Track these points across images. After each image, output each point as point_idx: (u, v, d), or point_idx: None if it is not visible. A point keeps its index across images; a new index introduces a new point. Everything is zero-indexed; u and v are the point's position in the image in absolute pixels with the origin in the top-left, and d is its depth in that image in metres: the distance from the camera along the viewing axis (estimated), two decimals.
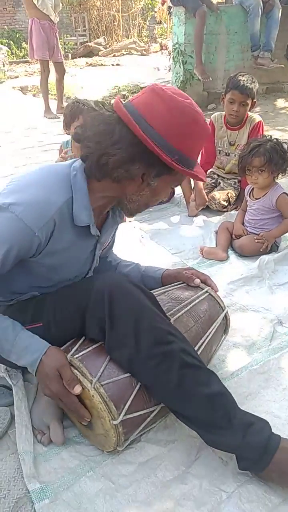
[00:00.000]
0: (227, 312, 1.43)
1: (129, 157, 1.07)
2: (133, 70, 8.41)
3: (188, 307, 1.30)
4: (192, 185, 2.71)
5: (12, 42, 11.74)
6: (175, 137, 1.07)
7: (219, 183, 2.83)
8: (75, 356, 1.12)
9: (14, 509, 1.06)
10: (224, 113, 2.69)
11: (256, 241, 2.19)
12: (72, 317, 1.20)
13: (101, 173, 1.12)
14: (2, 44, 10.72)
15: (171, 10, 6.12)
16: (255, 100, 2.58)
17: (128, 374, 1.12)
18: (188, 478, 1.13)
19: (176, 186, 1.28)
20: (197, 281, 1.42)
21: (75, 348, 1.15)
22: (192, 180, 2.68)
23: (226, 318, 1.42)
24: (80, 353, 1.13)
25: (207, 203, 2.68)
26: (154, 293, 1.32)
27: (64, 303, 1.22)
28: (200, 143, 1.16)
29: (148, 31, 12.98)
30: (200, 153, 1.34)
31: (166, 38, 11.66)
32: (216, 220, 2.61)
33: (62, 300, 1.23)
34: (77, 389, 1.09)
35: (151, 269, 1.54)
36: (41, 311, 1.24)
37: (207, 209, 2.73)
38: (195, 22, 5.00)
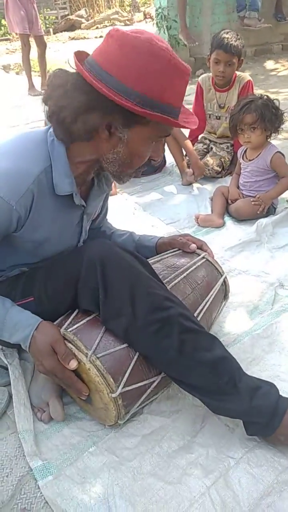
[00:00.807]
0: (225, 277, 1.38)
1: (84, 107, 0.99)
2: None
3: (185, 274, 1.25)
4: (185, 153, 2.63)
5: None
6: (131, 78, 0.95)
7: (211, 148, 2.75)
8: (68, 330, 1.08)
9: (18, 487, 1.03)
10: (211, 74, 2.58)
11: (252, 203, 2.14)
12: (64, 289, 1.15)
13: (64, 132, 1.04)
14: None
15: None
16: (242, 58, 2.48)
17: (125, 345, 1.07)
18: (194, 447, 1.11)
19: (158, 140, 1.10)
20: (193, 246, 1.37)
21: (68, 322, 1.11)
22: (183, 149, 2.60)
23: (225, 284, 1.37)
24: (74, 326, 1.09)
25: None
26: (149, 261, 1.27)
27: (55, 275, 1.17)
28: (168, 82, 0.98)
29: (130, 0, 12.57)
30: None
31: (149, 6, 11.30)
32: (210, 187, 2.55)
33: (53, 272, 1.18)
34: (73, 364, 1.05)
35: (145, 237, 1.49)
36: (31, 285, 1.20)
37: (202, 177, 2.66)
38: None
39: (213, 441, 1.11)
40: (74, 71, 1.03)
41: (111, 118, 1.00)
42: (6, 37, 10.19)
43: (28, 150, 1.06)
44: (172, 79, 0.99)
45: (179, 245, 1.40)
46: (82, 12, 11.26)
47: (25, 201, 1.03)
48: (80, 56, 1.04)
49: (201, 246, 1.42)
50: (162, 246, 1.44)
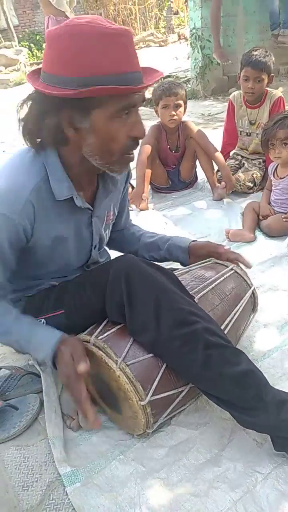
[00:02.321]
0: (254, 289, 1.37)
1: (37, 113, 1.03)
2: (151, 62, 8.33)
3: (213, 285, 1.26)
4: (216, 168, 2.65)
5: (32, 45, 11.88)
6: (63, 67, 0.94)
7: (243, 164, 2.76)
8: (99, 338, 1.10)
9: (47, 493, 1.05)
10: (243, 92, 2.61)
11: (284, 220, 2.12)
12: (92, 302, 1.18)
13: (34, 142, 1.09)
14: (23, 46, 10.87)
15: None
16: (272, 74, 2.48)
17: (153, 354, 1.09)
18: (221, 460, 1.10)
19: (122, 114, 0.99)
20: (227, 248, 1.39)
21: (98, 330, 1.13)
22: (214, 163, 2.63)
23: (253, 296, 1.37)
24: (104, 335, 1.11)
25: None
26: (176, 273, 1.29)
27: (84, 289, 1.21)
28: (97, 54, 0.92)
29: (165, 22, 12.83)
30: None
31: (183, 27, 11.50)
32: (242, 202, 2.55)
33: (82, 285, 1.23)
34: (82, 366, 1.04)
35: (178, 238, 1.50)
36: (62, 298, 1.24)
37: (233, 192, 2.66)
38: (211, 5, 4.88)
39: (240, 455, 1.10)
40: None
41: (67, 113, 0.99)
42: None
43: (23, 165, 1.10)
44: (101, 48, 0.92)
45: (213, 247, 1.41)
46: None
47: (26, 212, 1.07)
48: (36, 72, 1.06)
49: (237, 258, 1.42)
50: (195, 248, 1.44)
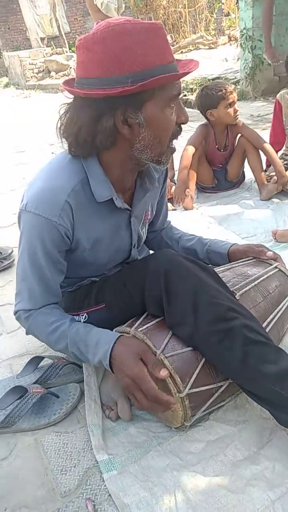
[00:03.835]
0: None
1: (92, 119, 1.02)
2: (201, 64, 8.28)
3: (256, 282, 1.24)
4: (264, 167, 2.61)
5: None
6: (112, 67, 0.95)
7: None
8: (139, 330, 1.12)
9: (84, 478, 1.08)
10: None
11: None
12: (132, 297, 1.19)
13: (90, 150, 1.08)
14: (74, 52, 11.15)
15: None
16: None
17: (192, 348, 1.08)
18: (259, 459, 1.08)
19: (171, 104, 1.04)
20: (270, 253, 1.35)
21: (138, 323, 1.15)
22: (263, 161, 2.58)
23: None
24: (144, 327, 1.12)
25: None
26: (217, 270, 1.28)
27: (124, 283, 1.23)
28: (143, 48, 0.95)
29: (215, 24, 12.75)
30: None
31: (234, 29, 11.38)
32: None
33: (122, 280, 1.24)
34: (164, 372, 1.03)
35: (217, 243, 1.48)
36: (103, 292, 1.27)
37: (281, 192, 2.60)
38: (263, 4, 4.80)
39: (280, 455, 1.08)
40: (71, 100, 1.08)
41: (121, 112, 1.00)
42: None
43: (61, 168, 1.12)
44: (146, 42, 0.96)
45: (254, 253, 1.38)
46: (167, 38, 11.63)
47: (66, 214, 1.09)
48: (70, 82, 1.08)
49: (276, 259, 1.40)
50: (235, 253, 1.43)
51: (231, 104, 2.44)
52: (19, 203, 1.15)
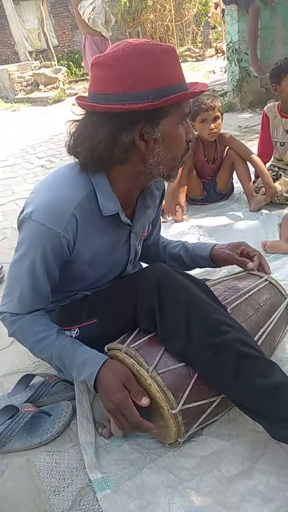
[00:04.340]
0: None
1: (112, 133, 1.04)
2: (188, 76, 8.42)
3: (247, 295, 1.25)
4: (253, 178, 2.63)
5: (71, 63, 12.29)
6: (135, 83, 0.98)
7: (280, 175, 2.72)
8: (131, 346, 1.11)
9: (77, 498, 1.06)
10: (277, 102, 2.60)
11: None
12: (124, 311, 1.19)
13: (105, 164, 1.10)
14: (62, 65, 11.26)
15: (225, 12, 6.06)
16: None
17: (184, 364, 1.08)
18: (253, 473, 1.07)
19: (184, 120, 1.10)
20: (250, 265, 1.36)
21: (130, 339, 1.14)
22: (252, 172, 2.61)
23: None
24: (136, 343, 1.12)
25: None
26: (209, 283, 1.29)
27: (115, 298, 1.23)
28: (163, 67, 1.01)
29: (202, 37, 12.95)
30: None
31: (221, 41, 11.57)
32: (280, 213, 2.51)
33: (114, 295, 1.24)
34: (145, 401, 1.04)
35: (200, 247, 1.50)
36: (95, 307, 1.26)
37: (270, 203, 2.63)
38: (248, 18, 4.90)
39: (273, 469, 1.07)
40: (81, 116, 1.10)
41: (139, 128, 1.04)
42: (84, 77, 10.91)
43: (69, 180, 1.13)
44: (164, 62, 1.01)
45: (237, 262, 1.40)
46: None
47: (71, 226, 1.10)
48: (82, 99, 1.09)
49: (254, 257, 1.42)
50: (219, 257, 1.45)
51: (206, 121, 2.46)
52: (20, 211, 1.15)
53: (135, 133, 1.04)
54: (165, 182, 1.24)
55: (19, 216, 1.15)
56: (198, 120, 2.48)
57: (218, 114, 2.47)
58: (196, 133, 2.57)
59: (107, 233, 1.20)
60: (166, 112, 1.04)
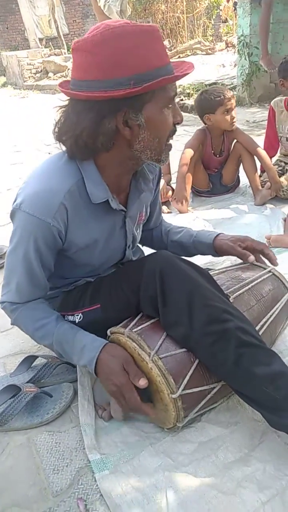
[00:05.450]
0: None
1: (94, 122, 1.02)
2: (198, 69, 8.34)
3: (250, 286, 1.25)
4: (259, 172, 2.63)
5: None
6: (115, 69, 0.96)
7: (286, 170, 2.72)
8: (133, 330, 1.12)
9: (76, 477, 1.08)
10: (284, 97, 2.59)
11: None
12: (127, 297, 1.20)
13: (90, 152, 1.09)
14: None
15: (237, 5, 6.00)
16: None
17: (186, 349, 1.09)
18: (251, 461, 1.09)
19: (169, 104, 1.07)
20: (252, 258, 1.37)
21: (133, 323, 1.15)
22: (258, 166, 2.61)
23: None
24: (138, 328, 1.13)
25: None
26: (212, 273, 1.30)
27: (119, 283, 1.24)
28: (145, 50, 0.97)
29: (213, 30, 12.84)
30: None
31: (232, 35, 11.46)
32: (285, 208, 2.51)
33: (117, 281, 1.25)
34: (143, 382, 1.07)
35: (204, 234, 1.50)
36: (98, 293, 1.27)
37: (275, 197, 2.63)
38: (260, 11, 4.85)
39: (271, 458, 1.09)
40: (64, 103, 1.09)
41: (122, 113, 1.02)
42: None
43: (56, 169, 1.13)
44: (146, 44, 0.98)
45: (237, 254, 1.40)
46: (165, 43, 11.69)
47: (60, 215, 1.10)
48: (65, 84, 1.08)
49: (262, 250, 1.42)
50: (221, 247, 1.44)
51: (228, 111, 2.46)
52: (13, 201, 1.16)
53: (117, 120, 1.03)
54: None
55: (12, 206, 1.16)
56: (220, 111, 2.46)
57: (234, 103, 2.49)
58: (203, 126, 2.58)
59: (100, 219, 1.20)
60: (149, 97, 1.01)
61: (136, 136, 1.07)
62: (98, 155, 1.12)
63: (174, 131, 1.14)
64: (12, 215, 1.16)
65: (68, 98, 1.09)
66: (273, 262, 1.40)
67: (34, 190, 1.10)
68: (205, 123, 2.56)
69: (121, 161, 1.15)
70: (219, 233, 1.49)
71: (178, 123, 1.13)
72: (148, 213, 1.44)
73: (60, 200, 1.09)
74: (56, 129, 1.12)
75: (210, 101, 2.46)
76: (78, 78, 1.02)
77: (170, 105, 1.08)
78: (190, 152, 2.55)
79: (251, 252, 1.42)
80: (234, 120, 2.50)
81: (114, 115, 1.02)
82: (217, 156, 2.68)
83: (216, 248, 1.46)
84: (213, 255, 1.50)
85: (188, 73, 1.06)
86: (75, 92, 1.03)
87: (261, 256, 1.45)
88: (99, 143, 1.06)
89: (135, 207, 1.31)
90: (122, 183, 1.23)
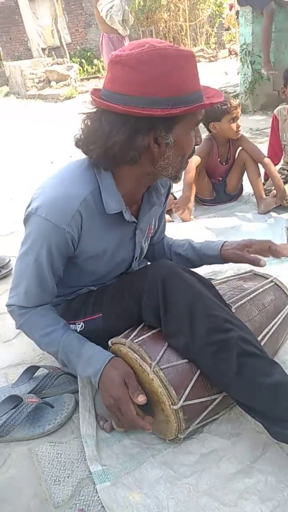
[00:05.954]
0: None
1: (128, 136, 1.04)
2: (201, 77, 8.40)
3: (252, 296, 1.26)
4: (263, 180, 2.63)
5: (84, 60, 12.33)
6: (156, 88, 0.99)
7: None
8: (134, 341, 1.13)
9: (77, 489, 1.08)
10: (287, 105, 2.60)
11: None
12: (129, 306, 1.20)
13: (116, 164, 1.11)
14: (74, 62, 11.29)
15: (239, 14, 6.05)
16: None
17: (187, 360, 1.09)
18: (252, 472, 1.08)
19: (196, 125, 1.12)
20: (263, 262, 1.36)
21: (134, 334, 1.16)
22: (262, 174, 2.61)
23: None
24: (140, 338, 1.13)
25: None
26: (214, 282, 1.30)
27: (121, 293, 1.24)
28: (185, 73, 1.01)
29: (216, 38, 12.92)
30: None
31: (234, 43, 11.54)
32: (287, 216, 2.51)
33: (119, 289, 1.26)
34: (141, 398, 1.07)
35: (208, 246, 1.50)
36: (100, 302, 1.28)
37: (279, 206, 2.62)
38: (262, 20, 4.89)
39: (273, 469, 1.08)
40: (92, 110, 1.10)
41: (154, 131, 1.05)
42: (96, 75, 10.96)
43: (74, 177, 1.15)
44: (185, 68, 1.01)
45: (248, 261, 1.40)
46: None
47: (75, 222, 1.12)
48: (96, 93, 1.09)
49: (269, 247, 1.42)
50: (229, 256, 1.45)
51: (234, 119, 2.47)
52: (26, 206, 1.17)
53: (150, 137, 1.06)
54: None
55: (25, 211, 1.17)
56: (226, 119, 2.47)
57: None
58: (208, 134, 2.59)
59: (112, 229, 1.21)
60: (180, 119, 1.05)
61: (162, 154, 1.10)
62: (121, 167, 1.14)
63: (193, 152, 1.19)
64: (26, 219, 1.17)
65: (95, 106, 1.10)
66: (282, 252, 1.41)
67: (52, 196, 1.12)
68: (210, 131, 2.57)
69: (140, 176, 1.17)
70: (224, 242, 1.49)
71: (197, 144, 1.18)
72: (156, 226, 1.46)
73: (77, 207, 1.11)
74: (82, 137, 1.13)
75: (216, 110, 2.46)
76: (113, 90, 1.03)
77: (196, 128, 1.14)
78: (197, 159, 2.55)
79: (260, 254, 1.42)
80: (239, 129, 2.51)
81: (148, 132, 1.05)
82: (223, 164, 2.68)
83: (224, 259, 1.46)
84: (221, 263, 1.50)
85: (220, 101, 1.12)
86: (113, 105, 1.03)
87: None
88: (128, 157, 1.09)
89: (146, 219, 1.32)
90: (136, 195, 1.25)
